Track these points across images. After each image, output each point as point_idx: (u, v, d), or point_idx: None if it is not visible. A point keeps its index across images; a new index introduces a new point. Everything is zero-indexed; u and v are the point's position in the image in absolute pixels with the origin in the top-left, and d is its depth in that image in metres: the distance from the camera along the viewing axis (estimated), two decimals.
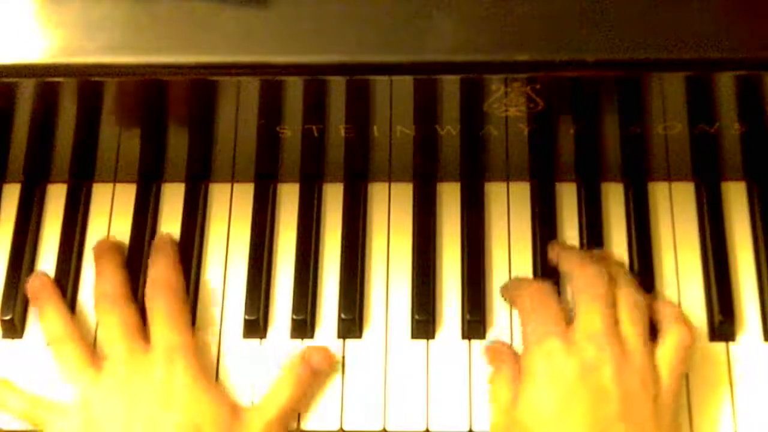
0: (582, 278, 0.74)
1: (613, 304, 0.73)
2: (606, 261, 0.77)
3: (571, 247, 0.79)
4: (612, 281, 0.74)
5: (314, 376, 0.76)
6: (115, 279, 0.78)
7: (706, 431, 0.74)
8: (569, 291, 0.77)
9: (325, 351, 0.76)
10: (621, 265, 0.78)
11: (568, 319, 0.73)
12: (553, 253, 0.78)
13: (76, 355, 0.76)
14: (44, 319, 0.78)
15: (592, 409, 0.69)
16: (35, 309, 0.79)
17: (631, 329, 0.72)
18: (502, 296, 0.78)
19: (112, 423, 0.72)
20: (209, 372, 0.76)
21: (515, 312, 0.78)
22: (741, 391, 0.75)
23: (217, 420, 0.73)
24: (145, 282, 0.79)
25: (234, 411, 0.74)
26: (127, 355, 0.75)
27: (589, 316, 0.72)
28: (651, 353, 0.71)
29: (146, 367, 0.74)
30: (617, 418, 0.68)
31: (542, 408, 0.70)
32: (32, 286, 0.79)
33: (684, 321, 0.73)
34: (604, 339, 0.70)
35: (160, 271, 0.78)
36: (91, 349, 0.77)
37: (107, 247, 0.81)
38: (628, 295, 0.73)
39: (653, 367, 0.71)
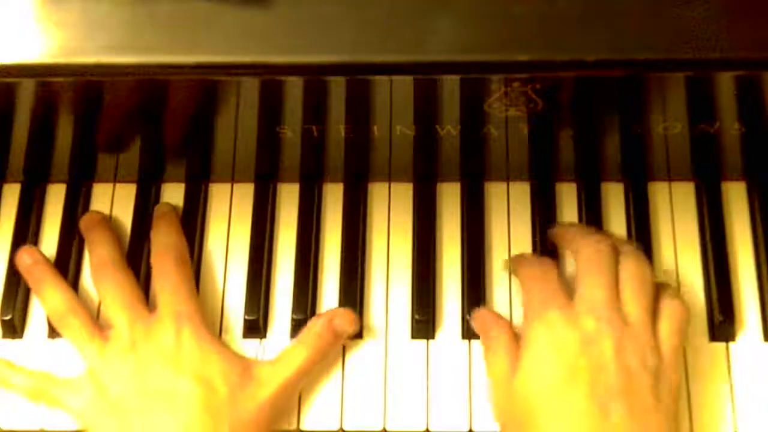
0: (584, 251, 0.74)
1: (615, 278, 0.72)
2: (611, 237, 0.77)
3: (573, 224, 0.79)
4: (615, 254, 0.73)
5: (335, 339, 0.75)
6: (108, 248, 0.78)
7: (706, 431, 0.74)
8: (569, 268, 0.78)
9: (348, 313, 0.76)
10: (627, 241, 0.78)
11: (570, 293, 0.72)
12: (553, 232, 0.78)
13: (81, 327, 0.76)
14: (43, 296, 0.78)
15: (591, 381, 0.68)
16: (33, 293, 0.79)
17: (634, 302, 0.71)
18: (504, 269, 0.78)
19: (123, 389, 0.72)
20: (216, 335, 0.76)
21: (515, 312, 0.78)
22: (741, 391, 0.75)
23: (229, 375, 0.72)
24: (146, 280, 0.79)
25: (246, 367, 0.74)
26: (131, 322, 0.75)
27: (591, 289, 0.71)
28: (653, 327, 0.71)
29: (153, 332, 0.74)
30: (617, 391, 0.67)
31: (541, 378, 0.69)
32: (23, 263, 0.79)
33: (678, 295, 0.73)
34: (605, 312, 0.70)
35: (164, 238, 0.79)
36: (96, 320, 0.77)
37: (97, 219, 0.81)
38: (633, 268, 0.72)
39: (655, 341, 0.70)
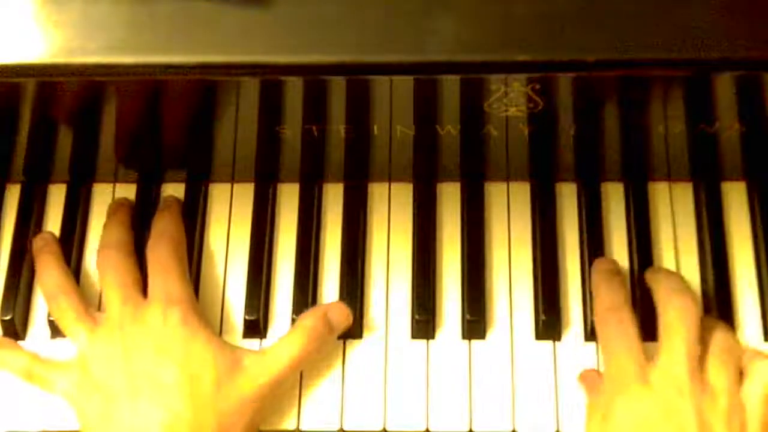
0: (671, 311, 0.72)
1: (699, 343, 0.71)
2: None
3: (667, 272, 0.77)
4: (702, 318, 0.73)
5: (329, 333, 0.75)
6: (115, 232, 0.79)
7: None
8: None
9: (342, 307, 0.76)
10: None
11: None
12: (649, 274, 0.77)
13: (71, 307, 0.76)
14: (40, 275, 0.78)
15: None
16: (36, 275, 0.79)
17: (719, 373, 0.70)
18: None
19: (108, 371, 0.72)
20: (209, 324, 0.76)
21: (515, 312, 0.78)
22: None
23: (216, 363, 0.72)
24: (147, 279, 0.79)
25: (235, 356, 0.73)
26: (122, 304, 0.74)
27: (673, 356, 0.70)
28: (737, 394, 0.69)
29: (143, 316, 0.74)
30: None
31: None
32: (35, 244, 0.80)
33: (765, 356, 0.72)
34: (686, 383, 0.69)
35: (163, 225, 0.79)
36: (88, 303, 0.77)
37: (118, 203, 0.82)
38: (720, 337, 0.72)
39: (741, 409, 0.69)
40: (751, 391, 0.70)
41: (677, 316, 0.72)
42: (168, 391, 0.70)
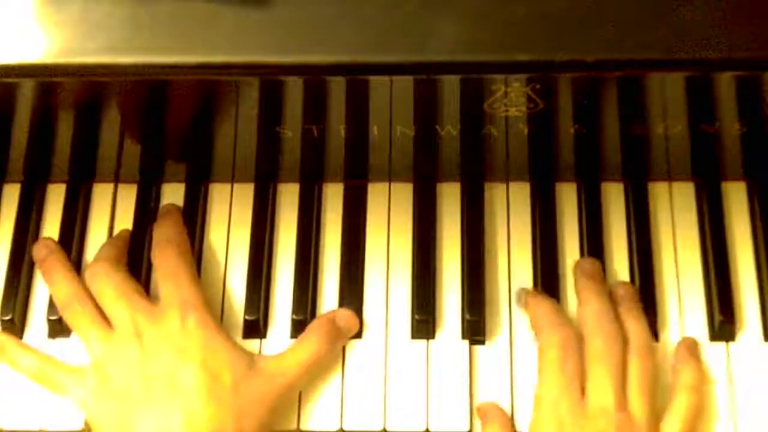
0: (595, 342, 0.73)
1: (624, 372, 0.72)
2: (623, 311, 0.76)
3: (589, 304, 0.76)
4: (624, 346, 0.73)
5: (338, 339, 0.76)
6: (107, 249, 0.79)
7: (706, 431, 0.74)
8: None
9: (351, 314, 0.77)
10: (633, 308, 0.76)
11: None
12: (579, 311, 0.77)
13: (86, 314, 0.76)
14: (52, 284, 0.78)
15: None
16: (45, 283, 0.79)
17: (639, 400, 0.71)
18: (518, 303, 0.77)
19: (126, 377, 0.72)
20: (222, 326, 0.76)
21: (515, 312, 0.78)
22: (741, 391, 0.75)
23: (234, 366, 0.73)
24: (147, 281, 0.79)
25: (251, 360, 0.74)
26: (133, 311, 0.74)
27: (602, 387, 0.71)
28: (657, 421, 0.71)
29: (158, 320, 0.74)
30: None
31: None
32: (39, 253, 0.80)
33: (694, 388, 0.73)
34: (614, 414, 0.70)
35: (165, 230, 0.79)
36: (102, 311, 0.76)
37: (123, 233, 0.82)
38: (641, 367, 0.72)
39: None
40: (670, 424, 0.72)
41: (600, 347, 0.72)
42: (187, 392, 0.71)
